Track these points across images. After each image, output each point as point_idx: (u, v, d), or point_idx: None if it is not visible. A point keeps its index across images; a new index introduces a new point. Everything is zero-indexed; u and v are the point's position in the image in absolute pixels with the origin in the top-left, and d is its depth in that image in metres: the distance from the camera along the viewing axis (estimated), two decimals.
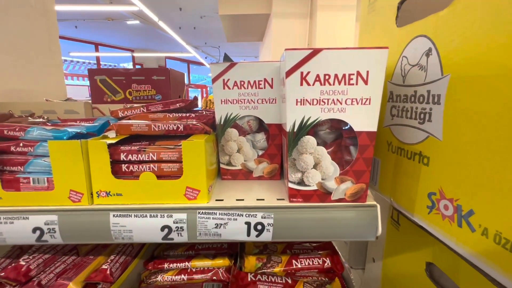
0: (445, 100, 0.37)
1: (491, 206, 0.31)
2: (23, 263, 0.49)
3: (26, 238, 0.42)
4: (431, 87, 0.39)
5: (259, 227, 0.43)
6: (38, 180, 0.43)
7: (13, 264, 0.49)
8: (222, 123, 0.54)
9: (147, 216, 0.43)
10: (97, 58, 8.23)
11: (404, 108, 0.46)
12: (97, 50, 7.87)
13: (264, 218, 0.43)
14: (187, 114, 0.56)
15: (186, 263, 0.63)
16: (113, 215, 0.42)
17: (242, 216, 0.43)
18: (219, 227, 0.43)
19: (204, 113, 0.61)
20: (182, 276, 0.60)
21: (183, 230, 0.43)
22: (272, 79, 0.51)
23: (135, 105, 0.58)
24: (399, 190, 0.48)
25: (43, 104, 0.91)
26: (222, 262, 0.63)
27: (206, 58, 10.06)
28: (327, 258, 0.61)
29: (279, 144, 0.55)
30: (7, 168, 0.44)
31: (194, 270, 0.61)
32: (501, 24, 0.29)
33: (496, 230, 0.30)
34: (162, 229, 0.43)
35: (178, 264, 0.63)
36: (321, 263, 0.60)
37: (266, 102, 0.53)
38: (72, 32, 6.62)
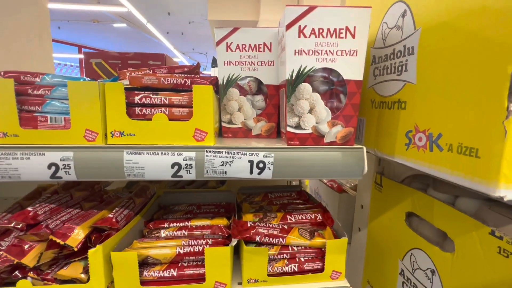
0: (417, 50, 0.44)
1: (453, 125, 0.38)
2: (31, 209, 0.51)
3: (41, 174, 0.45)
4: (406, 42, 0.47)
5: (261, 165, 0.48)
6: (56, 119, 0.46)
7: (20, 210, 0.51)
8: (224, 83, 0.59)
9: (158, 154, 0.46)
10: (80, 60, 8.04)
11: (385, 66, 0.53)
12: (80, 52, 7.70)
13: (266, 157, 0.48)
14: (192, 75, 0.61)
15: (186, 222, 0.66)
16: (127, 152, 0.46)
17: (246, 155, 0.48)
18: (225, 165, 0.47)
19: (207, 76, 0.65)
20: (183, 231, 0.63)
21: (191, 167, 0.47)
22: (270, 43, 0.58)
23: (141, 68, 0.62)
24: (382, 140, 0.55)
25: None
26: (220, 221, 0.67)
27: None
28: (319, 214, 0.66)
29: (276, 104, 0.60)
30: (24, 107, 0.46)
31: (194, 226, 0.64)
32: None
33: (458, 142, 0.37)
34: (172, 166, 0.47)
35: (178, 224, 0.66)
36: (313, 217, 0.65)
37: (265, 64, 0.59)
38: (55, 33, 6.47)
